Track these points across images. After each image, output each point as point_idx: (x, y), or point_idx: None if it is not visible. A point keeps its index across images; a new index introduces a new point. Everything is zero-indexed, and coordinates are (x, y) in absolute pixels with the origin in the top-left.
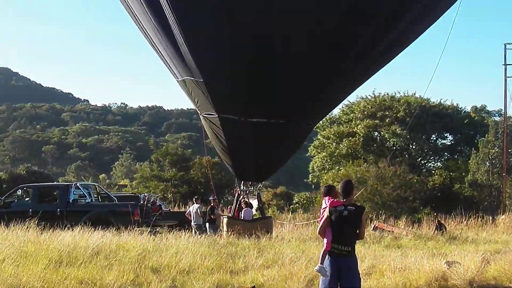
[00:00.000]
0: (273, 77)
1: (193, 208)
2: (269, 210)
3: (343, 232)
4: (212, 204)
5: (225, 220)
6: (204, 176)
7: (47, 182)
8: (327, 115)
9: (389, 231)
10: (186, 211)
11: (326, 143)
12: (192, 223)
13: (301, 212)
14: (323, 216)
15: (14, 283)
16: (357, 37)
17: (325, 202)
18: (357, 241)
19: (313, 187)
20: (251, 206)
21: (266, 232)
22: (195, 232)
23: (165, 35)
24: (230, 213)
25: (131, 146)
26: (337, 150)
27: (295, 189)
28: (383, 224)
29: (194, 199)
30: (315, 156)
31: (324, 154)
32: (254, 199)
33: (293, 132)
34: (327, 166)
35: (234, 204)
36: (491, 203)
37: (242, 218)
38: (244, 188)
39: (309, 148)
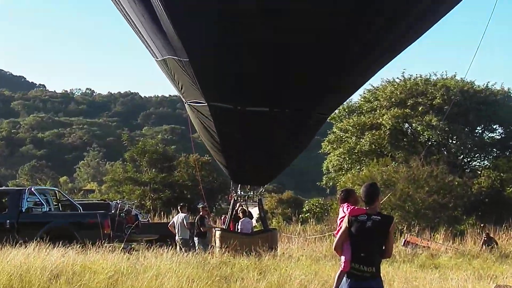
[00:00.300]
0: (276, 55)
1: (178, 218)
2: (273, 220)
3: (365, 249)
4: (201, 213)
5: (217, 233)
6: (191, 179)
7: None
8: (345, 103)
9: (423, 246)
10: (169, 222)
11: (343, 137)
12: (177, 238)
13: (313, 223)
14: (341, 228)
15: None
16: (374, 16)
17: (343, 211)
18: (383, 259)
19: (327, 191)
20: (250, 215)
21: (269, 249)
22: (181, 249)
23: (141, 3)
24: (224, 224)
25: (100, 142)
26: (358, 146)
27: (305, 194)
28: (416, 238)
29: (179, 207)
30: (330, 153)
31: (341, 150)
32: (255, 206)
33: (302, 123)
34: (345, 166)
35: (229, 213)
36: None
37: (239, 230)
38: (242, 193)
39: (322, 144)
